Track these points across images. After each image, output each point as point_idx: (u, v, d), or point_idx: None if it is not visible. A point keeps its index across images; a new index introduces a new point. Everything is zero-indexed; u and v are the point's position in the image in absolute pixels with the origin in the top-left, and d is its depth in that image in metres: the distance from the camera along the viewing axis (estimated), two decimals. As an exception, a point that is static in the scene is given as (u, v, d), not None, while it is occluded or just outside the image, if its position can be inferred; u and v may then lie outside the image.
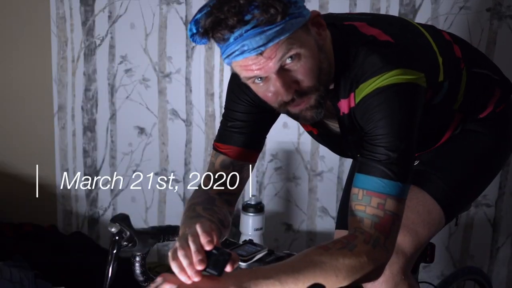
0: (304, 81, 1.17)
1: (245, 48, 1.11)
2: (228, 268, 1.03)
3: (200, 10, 1.14)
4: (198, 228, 1.08)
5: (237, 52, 1.12)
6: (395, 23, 1.35)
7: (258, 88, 1.20)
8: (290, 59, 1.14)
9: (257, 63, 1.13)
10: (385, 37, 1.23)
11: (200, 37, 1.15)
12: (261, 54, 1.12)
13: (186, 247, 1.05)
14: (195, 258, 1.03)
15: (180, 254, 1.04)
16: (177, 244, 1.07)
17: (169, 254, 1.08)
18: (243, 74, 1.18)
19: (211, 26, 1.11)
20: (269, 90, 1.18)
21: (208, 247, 1.05)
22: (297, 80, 1.17)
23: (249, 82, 1.20)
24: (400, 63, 1.18)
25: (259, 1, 1.08)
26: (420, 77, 1.20)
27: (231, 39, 1.11)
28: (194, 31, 1.15)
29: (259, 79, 1.17)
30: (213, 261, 1.03)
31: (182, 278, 1.04)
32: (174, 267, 1.04)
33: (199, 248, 1.04)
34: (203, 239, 1.05)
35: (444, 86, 1.34)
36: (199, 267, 1.02)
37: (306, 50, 1.15)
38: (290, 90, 1.16)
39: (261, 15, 1.09)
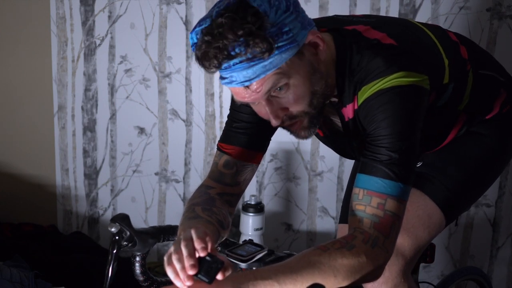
0: (293, 108, 1.20)
1: (233, 79, 1.14)
2: (219, 276, 1.04)
3: (199, 23, 1.14)
4: (193, 234, 1.09)
5: (226, 80, 1.15)
6: (400, 26, 1.35)
7: (252, 106, 1.25)
8: (279, 88, 1.16)
9: (246, 92, 1.16)
10: (389, 40, 1.24)
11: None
12: (248, 87, 1.14)
13: (179, 251, 1.06)
14: (187, 263, 1.04)
15: (174, 258, 1.06)
16: (171, 248, 1.09)
17: (165, 258, 1.09)
18: (235, 97, 1.21)
19: (200, 57, 1.13)
20: (260, 110, 1.22)
21: (201, 254, 1.06)
22: (286, 107, 1.20)
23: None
24: (403, 65, 1.19)
25: (244, 39, 1.08)
26: (423, 79, 1.20)
27: (222, 68, 1.13)
28: (195, 40, 1.16)
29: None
30: (206, 268, 1.04)
31: (178, 283, 1.05)
32: (169, 272, 1.06)
33: (191, 253, 1.05)
34: (197, 245, 1.06)
35: (449, 88, 1.34)
36: (190, 272, 1.03)
37: (296, 79, 1.16)
38: (278, 117, 1.20)
39: (247, 52, 1.09)
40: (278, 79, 1.14)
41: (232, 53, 1.09)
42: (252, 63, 1.10)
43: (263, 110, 1.21)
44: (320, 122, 1.26)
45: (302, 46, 1.16)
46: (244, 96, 1.17)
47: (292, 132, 1.27)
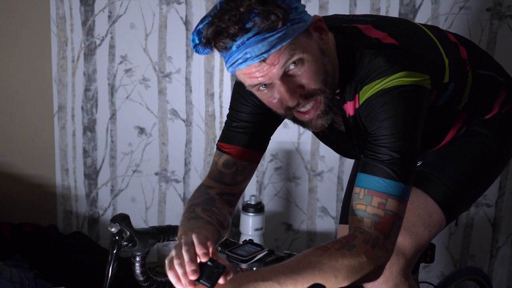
0: (309, 84, 1.18)
1: (248, 55, 1.12)
2: (221, 281, 1.04)
3: (201, 20, 1.15)
4: (194, 239, 1.08)
5: (240, 60, 1.13)
6: (400, 25, 1.35)
7: (263, 95, 1.21)
8: (293, 64, 1.15)
9: (261, 70, 1.14)
10: (390, 40, 1.24)
11: (203, 47, 1.16)
12: (264, 61, 1.13)
13: (181, 256, 1.06)
14: (188, 268, 1.04)
15: (176, 263, 1.05)
16: (173, 252, 1.08)
17: (166, 262, 1.08)
18: (247, 82, 1.19)
19: (213, 36, 1.12)
20: (273, 97, 1.19)
21: (203, 259, 1.06)
22: (302, 84, 1.18)
23: (253, 90, 1.21)
24: (405, 65, 1.19)
25: (259, 8, 1.09)
26: (425, 79, 1.20)
27: (234, 48, 1.12)
28: (197, 41, 1.15)
29: (264, 86, 1.18)
30: (207, 273, 1.04)
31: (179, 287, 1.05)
32: (171, 276, 1.06)
33: (193, 258, 1.05)
34: (199, 251, 1.06)
35: (449, 87, 1.34)
36: (192, 277, 1.04)
37: (309, 54, 1.16)
38: (294, 95, 1.17)
39: (262, 22, 1.09)
40: (293, 50, 1.13)
41: (248, 25, 1.09)
42: (267, 35, 1.10)
43: (275, 95, 1.18)
44: (335, 110, 1.25)
45: (309, 27, 1.17)
46: (258, 76, 1.15)
47: (307, 123, 1.24)
